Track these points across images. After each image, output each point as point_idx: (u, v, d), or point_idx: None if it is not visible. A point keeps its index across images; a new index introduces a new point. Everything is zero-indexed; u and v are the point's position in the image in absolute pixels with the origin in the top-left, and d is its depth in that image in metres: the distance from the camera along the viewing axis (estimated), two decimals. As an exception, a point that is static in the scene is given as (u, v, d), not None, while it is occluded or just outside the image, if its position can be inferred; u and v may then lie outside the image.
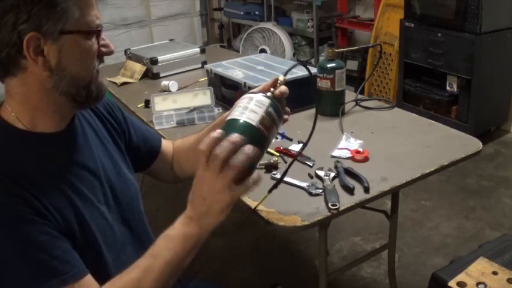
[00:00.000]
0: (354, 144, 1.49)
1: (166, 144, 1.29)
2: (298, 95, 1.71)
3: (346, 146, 1.48)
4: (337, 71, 1.67)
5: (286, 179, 1.31)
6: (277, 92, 1.01)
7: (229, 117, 0.93)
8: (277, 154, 1.44)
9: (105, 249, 0.96)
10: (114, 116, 1.14)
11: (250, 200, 1.23)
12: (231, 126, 0.90)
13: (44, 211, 0.84)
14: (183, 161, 1.28)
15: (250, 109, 0.92)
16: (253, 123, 0.90)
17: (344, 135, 1.54)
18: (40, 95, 0.88)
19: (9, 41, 0.82)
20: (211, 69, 1.94)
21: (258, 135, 0.90)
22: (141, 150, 1.21)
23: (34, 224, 0.83)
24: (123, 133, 1.16)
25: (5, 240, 0.80)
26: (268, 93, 0.98)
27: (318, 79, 1.70)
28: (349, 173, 1.31)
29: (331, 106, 1.71)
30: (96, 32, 0.90)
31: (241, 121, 0.90)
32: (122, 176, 1.07)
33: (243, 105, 0.93)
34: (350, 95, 1.82)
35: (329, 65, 1.67)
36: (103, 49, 0.93)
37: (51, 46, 0.85)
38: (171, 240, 0.88)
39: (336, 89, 1.69)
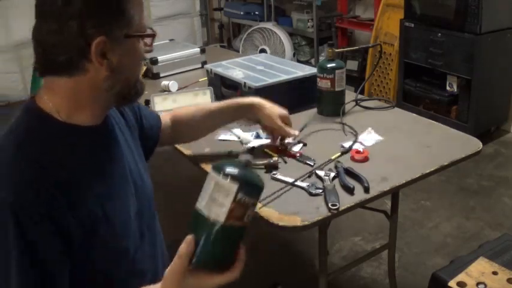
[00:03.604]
0: (372, 140, 1.51)
1: (164, 120, 1.34)
2: (299, 95, 1.71)
3: (364, 139, 1.50)
4: (337, 71, 1.66)
5: (286, 178, 1.31)
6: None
7: (196, 206, 0.82)
8: (276, 155, 1.44)
9: (128, 244, 0.98)
10: (132, 111, 1.18)
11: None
12: (199, 225, 0.80)
13: (66, 225, 0.85)
14: (181, 130, 1.37)
15: (217, 202, 0.79)
16: (221, 220, 0.78)
17: (368, 129, 1.55)
18: (91, 93, 0.91)
19: (74, 46, 0.85)
20: (211, 69, 1.94)
21: (230, 233, 0.80)
22: (149, 139, 1.24)
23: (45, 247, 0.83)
24: (139, 127, 1.19)
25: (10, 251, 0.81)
26: (244, 158, 0.84)
27: (318, 79, 1.70)
28: (349, 173, 1.31)
29: (331, 106, 1.71)
30: (154, 36, 0.95)
31: (210, 221, 0.79)
32: (141, 174, 1.09)
33: (209, 192, 0.81)
34: (350, 95, 1.82)
35: (329, 65, 1.67)
36: (147, 48, 0.97)
37: (115, 50, 0.88)
38: None
39: (336, 89, 1.69)
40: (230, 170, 0.80)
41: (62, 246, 0.85)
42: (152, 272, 1.05)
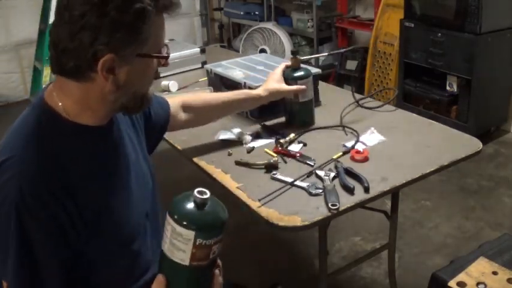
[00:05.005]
0: (374, 140, 1.50)
1: (173, 105, 1.35)
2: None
3: (367, 139, 1.50)
4: (299, 81, 1.55)
5: (286, 178, 1.31)
6: None
7: (162, 248, 0.84)
8: (275, 155, 1.44)
9: (129, 237, 1.00)
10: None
11: (250, 200, 1.23)
12: (167, 266, 0.83)
13: (69, 222, 0.87)
14: (192, 116, 1.40)
15: (177, 247, 0.80)
16: (186, 263, 0.80)
17: (370, 129, 1.55)
18: (98, 101, 0.91)
19: (83, 56, 0.84)
20: (211, 69, 1.94)
21: (198, 273, 0.83)
22: (157, 126, 1.27)
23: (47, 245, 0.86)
24: (146, 115, 1.20)
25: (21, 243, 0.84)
26: (199, 197, 0.81)
27: None
28: (349, 173, 1.31)
29: (298, 119, 1.63)
30: (167, 57, 0.95)
31: (175, 264, 0.81)
32: (143, 170, 1.11)
33: (168, 236, 0.81)
34: (349, 95, 1.82)
35: (293, 75, 1.55)
36: (161, 65, 0.98)
37: (124, 67, 0.87)
38: None
39: (300, 100, 1.57)
40: (185, 215, 0.79)
41: (62, 243, 0.87)
42: (155, 263, 1.07)
